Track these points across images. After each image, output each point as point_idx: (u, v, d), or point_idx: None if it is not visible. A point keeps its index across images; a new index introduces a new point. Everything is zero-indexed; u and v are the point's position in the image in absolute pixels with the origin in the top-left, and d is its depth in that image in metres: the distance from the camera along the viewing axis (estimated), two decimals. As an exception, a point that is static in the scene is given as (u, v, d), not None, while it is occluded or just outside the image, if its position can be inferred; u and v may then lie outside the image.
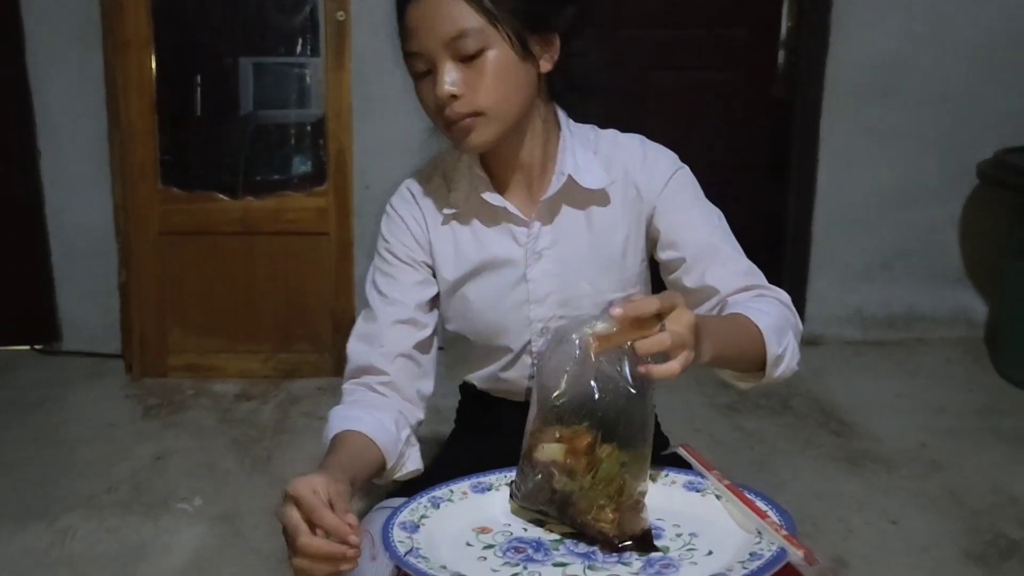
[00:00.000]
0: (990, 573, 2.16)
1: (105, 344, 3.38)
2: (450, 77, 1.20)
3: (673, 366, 1.03)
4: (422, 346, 1.34)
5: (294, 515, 0.99)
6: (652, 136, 1.39)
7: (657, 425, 1.51)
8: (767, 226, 3.53)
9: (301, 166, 3.34)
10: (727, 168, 3.54)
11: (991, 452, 2.74)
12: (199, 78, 3.39)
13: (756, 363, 1.21)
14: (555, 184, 1.31)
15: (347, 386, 1.33)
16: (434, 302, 1.38)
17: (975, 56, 3.35)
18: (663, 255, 1.35)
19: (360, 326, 1.35)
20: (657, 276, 1.41)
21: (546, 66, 1.27)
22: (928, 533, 2.33)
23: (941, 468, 2.64)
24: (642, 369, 1.04)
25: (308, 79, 3.33)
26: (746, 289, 1.29)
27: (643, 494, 1.13)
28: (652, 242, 1.36)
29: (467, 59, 1.20)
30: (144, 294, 3.24)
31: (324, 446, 1.21)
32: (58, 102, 3.25)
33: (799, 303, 3.50)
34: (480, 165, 1.33)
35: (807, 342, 3.48)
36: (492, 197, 1.32)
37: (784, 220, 3.55)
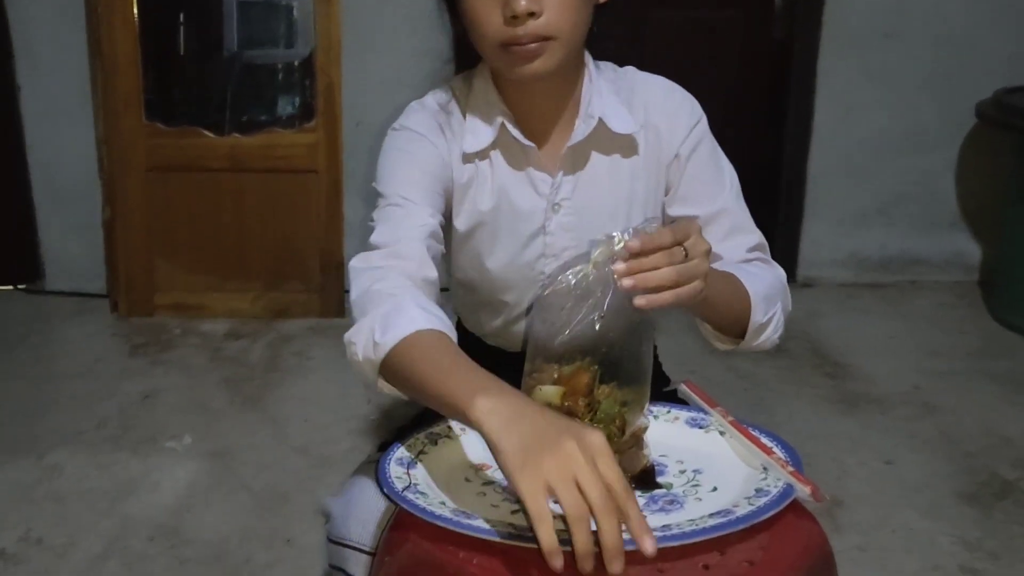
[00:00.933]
0: (983, 513, 2.17)
1: (90, 282, 3.33)
2: None
3: (696, 286, 1.00)
4: (436, 261, 1.19)
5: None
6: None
7: (658, 364, 1.49)
8: (764, 168, 3.49)
9: (288, 104, 3.27)
10: (726, 109, 3.48)
11: (984, 394, 2.74)
12: (182, 15, 3.30)
13: (738, 325, 1.19)
14: (583, 128, 1.23)
15: (379, 259, 1.13)
16: (443, 232, 1.25)
17: (974, -3, 3.30)
18: (673, 210, 1.29)
19: (381, 224, 1.18)
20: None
21: None
22: (922, 473, 2.34)
23: (935, 410, 2.65)
24: (668, 296, 1.00)
25: (295, 14, 3.24)
26: (748, 260, 1.27)
27: (644, 430, 1.10)
28: (665, 190, 1.30)
29: None
30: (130, 231, 3.19)
31: (392, 339, 1.01)
32: (38, 35, 3.17)
33: (793, 246, 3.49)
34: (503, 101, 1.23)
35: (802, 284, 3.49)
36: (520, 136, 1.22)
37: (780, 163, 3.50)
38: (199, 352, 2.99)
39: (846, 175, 3.46)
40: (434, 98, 1.27)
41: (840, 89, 3.38)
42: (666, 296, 1.00)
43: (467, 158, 1.24)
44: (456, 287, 1.38)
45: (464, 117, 1.25)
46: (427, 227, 1.16)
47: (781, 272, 1.28)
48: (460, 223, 1.27)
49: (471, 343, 1.42)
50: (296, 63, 3.27)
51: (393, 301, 1.06)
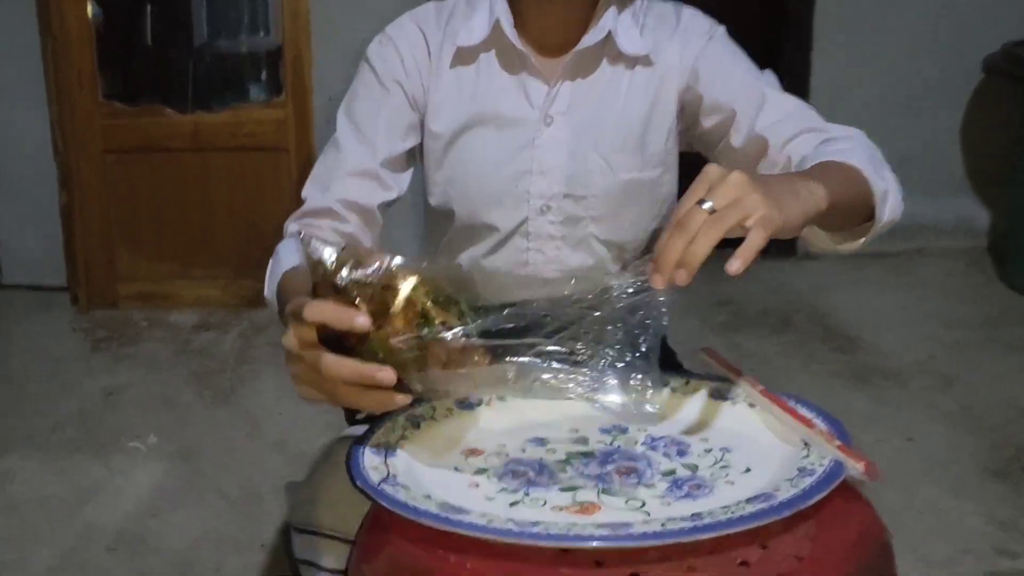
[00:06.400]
0: (1014, 489, 2.10)
1: (49, 276, 3.25)
2: None
3: (758, 235, 0.82)
4: (382, 209, 1.22)
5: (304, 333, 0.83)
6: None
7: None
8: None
9: (255, 78, 3.21)
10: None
11: (1002, 364, 2.70)
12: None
13: (864, 209, 1.03)
14: (591, 38, 1.18)
15: (293, 225, 1.19)
16: (407, 161, 1.23)
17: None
18: (708, 122, 1.19)
19: (319, 169, 1.21)
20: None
21: None
22: (945, 449, 2.29)
23: (953, 382, 2.61)
24: (734, 266, 0.82)
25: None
26: (804, 133, 1.12)
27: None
28: (692, 117, 1.21)
29: None
30: (88, 218, 3.13)
31: (271, 288, 1.09)
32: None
33: None
34: (509, 3, 1.19)
35: (803, 256, 3.41)
36: (515, 38, 1.18)
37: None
38: (166, 345, 2.92)
39: (846, 139, 3.38)
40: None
41: (838, 47, 3.33)
42: (746, 245, 0.83)
43: (459, 56, 1.20)
44: (432, 220, 1.31)
45: (463, 13, 1.22)
46: (358, 170, 1.18)
47: (855, 131, 1.14)
48: (441, 126, 1.21)
49: None
50: (262, 31, 3.23)
51: (276, 255, 1.13)
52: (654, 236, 1.25)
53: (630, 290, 0.89)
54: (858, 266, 3.36)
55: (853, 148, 1.06)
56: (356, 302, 0.84)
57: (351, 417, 1.22)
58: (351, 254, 0.85)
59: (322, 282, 0.84)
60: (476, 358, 0.85)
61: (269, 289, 1.10)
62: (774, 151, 1.12)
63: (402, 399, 0.82)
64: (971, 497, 2.07)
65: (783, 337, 2.85)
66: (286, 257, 1.10)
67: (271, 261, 1.13)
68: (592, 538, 0.79)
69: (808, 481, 0.87)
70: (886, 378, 2.62)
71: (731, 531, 0.79)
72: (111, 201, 3.11)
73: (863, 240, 1.07)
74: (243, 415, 2.51)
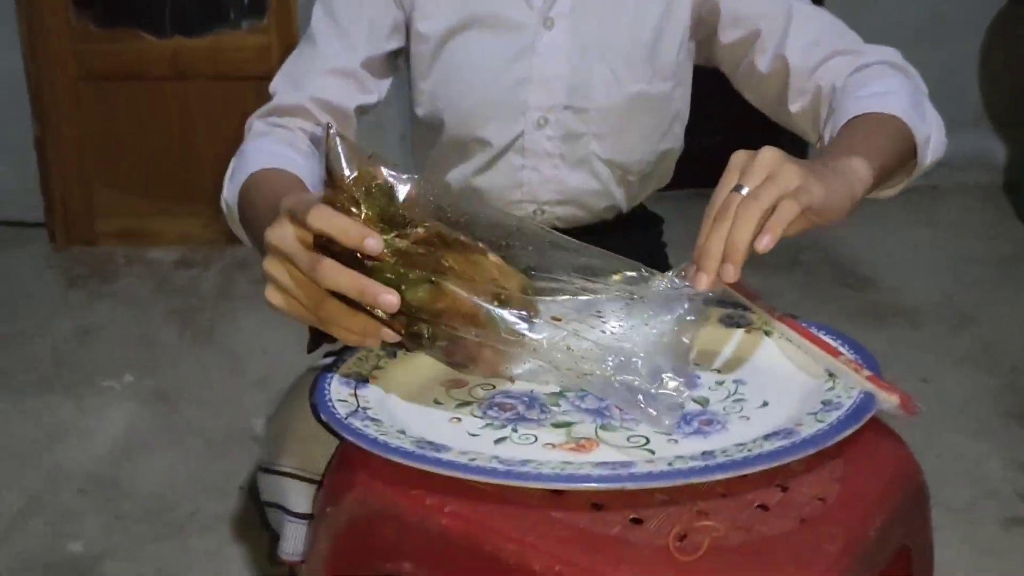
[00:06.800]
0: None
1: (25, 211, 3.15)
2: None
3: (789, 205, 0.77)
4: (358, 112, 1.12)
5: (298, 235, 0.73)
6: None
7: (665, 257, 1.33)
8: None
9: (236, 2, 3.02)
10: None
11: (1019, 303, 2.66)
12: None
13: (907, 155, 0.97)
14: None
15: (259, 123, 1.06)
16: (388, 65, 1.14)
17: None
18: (727, 37, 1.10)
19: (291, 65, 1.10)
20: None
21: None
22: (963, 391, 2.22)
23: (970, 321, 2.53)
24: (763, 242, 0.78)
25: None
26: (835, 57, 1.03)
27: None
28: (709, 28, 1.12)
29: None
30: (63, 151, 3.02)
31: (232, 191, 0.97)
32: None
33: (803, 151, 3.28)
34: None
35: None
36: None
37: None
38: (145, 282, 2.84)
39: (859, 72, 3.29)
40: None
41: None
42: (776, 217, 0.78)
43: None
44: (418, 134, 1.21)
45: None
46: (335, 69, 1.09)
47: (888, 53, 1.06)
48: (430, 27, 1.11)
49: None
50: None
51: (241, 155, 1.01)
52: (661, 158, 1.15)
53: (669, 283, 0.85)
54: (870, 202, 3.25)
55: (890, 89, 0.98)
56: (406, 237, 0.74)
57: (314, 345, 1.12)
58: (377, 163, 0.74)
59: (339, 191, 0.73)
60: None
61: (230, 192, 0.98)
62: (803, 78, 1.04)
63: (389, 334, 0.72)
64: (991, 440, 2.01)
65: (792, 276, 2.77)
66: (253, 157, 0.99)
67: (233, 160, 1.01)
68: (589, 478, 0.71)
69: (835, 415, 0.79)
70: (901, 317, 2.56)
71: (747, 471, 0.72)
72: (86, 132, 3.01)
73: (904, 184, 1.01)
74: (224, 353, 2.43)
